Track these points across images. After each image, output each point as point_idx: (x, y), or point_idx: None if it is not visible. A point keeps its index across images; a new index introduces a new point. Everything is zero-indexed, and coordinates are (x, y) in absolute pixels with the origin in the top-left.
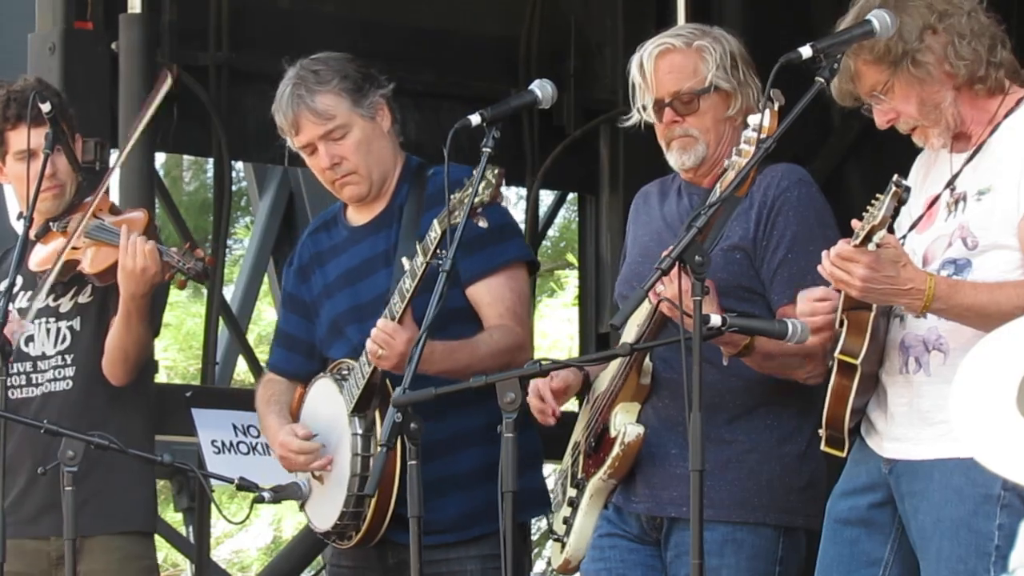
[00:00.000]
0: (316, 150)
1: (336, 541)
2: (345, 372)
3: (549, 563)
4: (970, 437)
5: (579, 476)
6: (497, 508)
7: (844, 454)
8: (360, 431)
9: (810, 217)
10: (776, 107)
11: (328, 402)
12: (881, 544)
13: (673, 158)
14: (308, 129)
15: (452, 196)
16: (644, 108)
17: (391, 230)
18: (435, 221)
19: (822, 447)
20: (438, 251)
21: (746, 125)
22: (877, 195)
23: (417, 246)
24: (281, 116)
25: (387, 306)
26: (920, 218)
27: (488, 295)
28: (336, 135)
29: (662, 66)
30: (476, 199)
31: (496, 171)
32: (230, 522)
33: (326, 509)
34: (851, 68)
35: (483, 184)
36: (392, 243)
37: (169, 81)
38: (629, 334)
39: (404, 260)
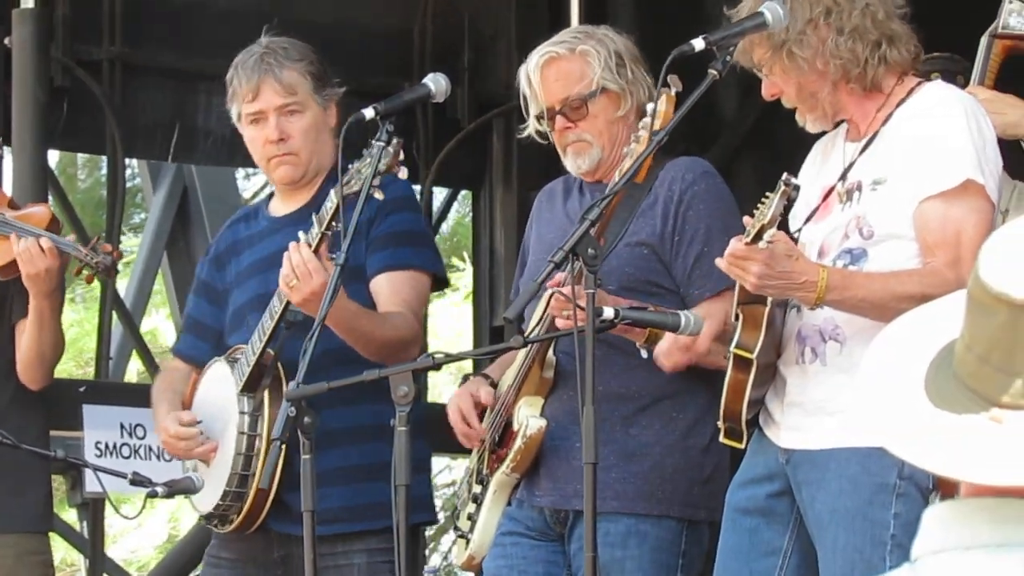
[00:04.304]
0: (266, 120)
1: (218, 525)
2: (239, 356)
3: (445, 557)
4: (877, 426)
5: (483, 472)
6: (383, 505)
7: (743, 445)
8: (248, 410)
9: (720, 209)
10: (673, 92)
11: (220, 384)
12: (780, 533)
13: (569, 163)
14: (268, 97)
15: (350, 166)
16: (537, 118)
17: (309, 225)
18: (331, 191)
19: (721, 439)
20: (333, 222)
21: (644, 114)
22: (767, 193)
23: (313, 217)
24: (241, 79)
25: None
26: (816, 209)
27: (388, 287)
28: (292, 110)
29: (549, 75)
30: (382, 166)
31: (396, 141)
32: (124, 518)
33: (210, 490)
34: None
35: (382, 154)
36: None
37: None
38: (528, 327)
39: (301, 234)
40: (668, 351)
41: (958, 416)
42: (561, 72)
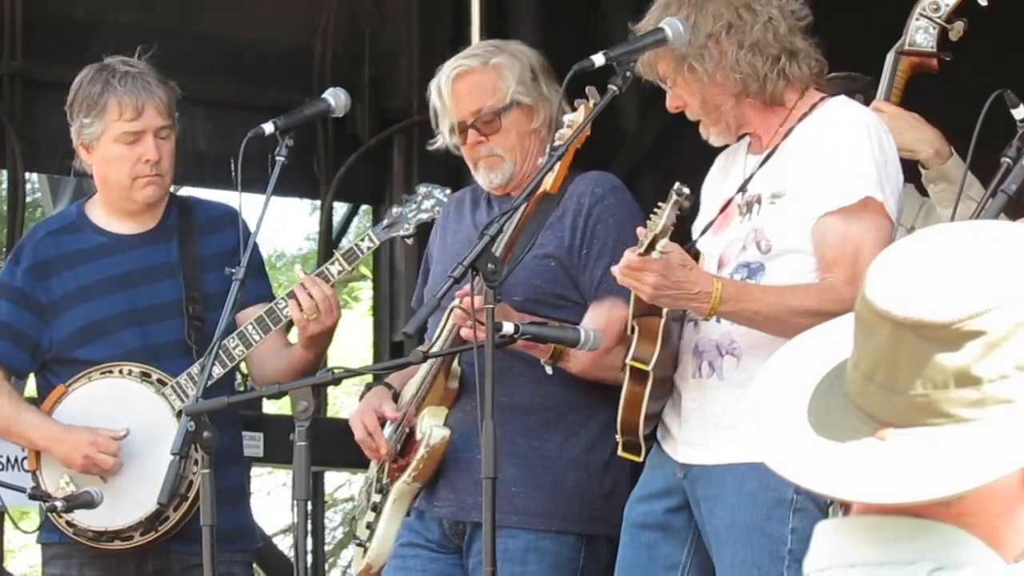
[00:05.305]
0: (141, 140)
1: (107, 541)
2: (147, 375)
3: (344, 572)
4: (758, 442)
5: (384, 481)
6: (251, 527)
7: (641, 459)
8: None
9: (629, 223)
10: (591, 103)
11: (133, 403)
12: (678, 548)
13: (481, 178)
14: (151, 118)
15: (393, 209)
16: (449, 131)
17: (169, 245)
18: (370, 232)
19: (619, 452)
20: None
21: (554, 128)
22: (659, 203)
23: (337, 255)
24: (120, 97)
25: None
26: (713, 220)
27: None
28: (165, 134)
29: (461, 88)
30: (426, 216)
31: (446, 192)
32: (23, 532)
33: (120, 509)
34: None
35: (433, 202)
36: (175, 258)
37: None
38: (436, 341)
39: (298, 268)
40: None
41: (842, 440)
42: (473, 85)
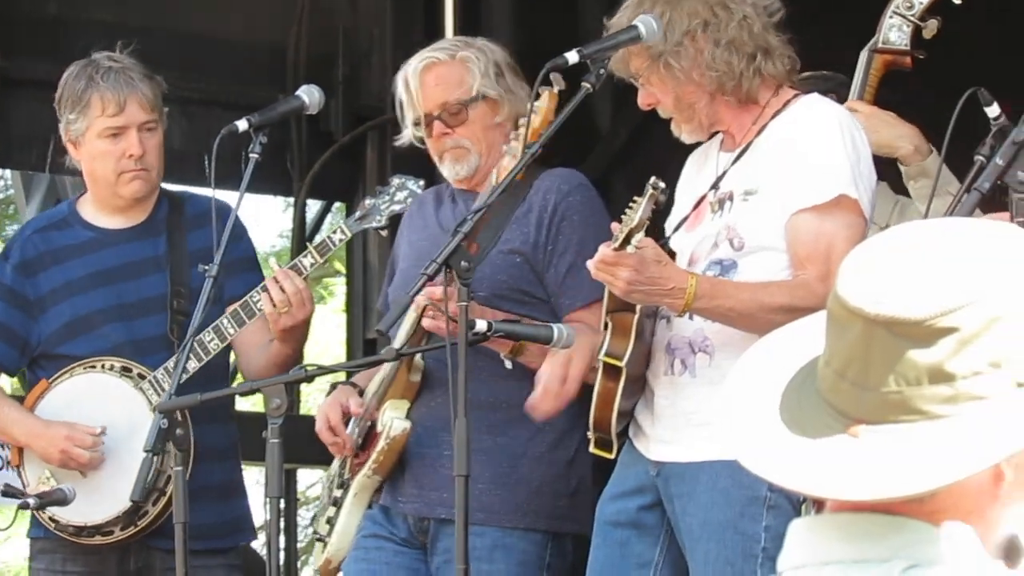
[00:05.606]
0: (124, 135)
1: (87, 536)
2: (128, 370)
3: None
4: (731, 439)
5: (345, 476)
6: (242, 522)
7: (613, 456)
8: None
9: (594, 221)
10: (556, 90)
11: (112, 398)
12: (651, 546)
13: (447, 170)
14: (133, 113)
15: (365, 201)
16: (415, 124)
17: (158, 240)
18: (342, 224)
19: (591, 449)
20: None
21: (517, 126)
22: (635, 198)
23: (310, 247)
24: (103, 92)
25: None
26: (687, 217)
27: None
28: (150, 127)
29: (428, 80)
30: (399, 207)
31: (420, 183)
32: None
33: (99, 504)
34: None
35: (406, 194)
36: (162, 252)
37: None
38: (400, 337)
39: (273, 262)
40: (542, 398)
41: (814, 437)
42: (441, 77)
